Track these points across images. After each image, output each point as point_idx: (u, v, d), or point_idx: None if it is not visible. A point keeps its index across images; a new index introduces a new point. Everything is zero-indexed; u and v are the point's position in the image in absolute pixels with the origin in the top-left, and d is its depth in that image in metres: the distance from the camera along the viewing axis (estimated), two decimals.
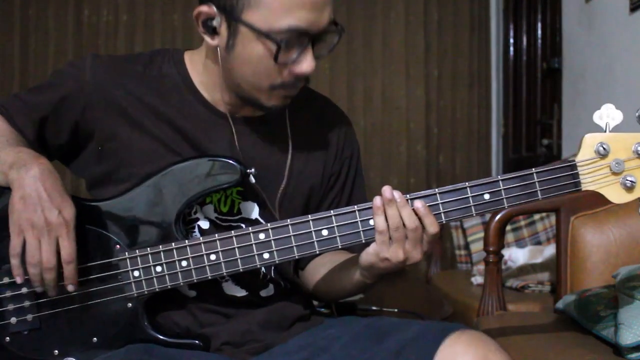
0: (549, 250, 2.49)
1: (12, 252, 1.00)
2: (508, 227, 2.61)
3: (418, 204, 1.01)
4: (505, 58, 3.93)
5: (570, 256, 1.69)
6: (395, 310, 2.05)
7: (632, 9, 2.39)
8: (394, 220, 1.00)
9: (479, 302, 1.79)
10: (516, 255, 2.54)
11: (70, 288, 1.02)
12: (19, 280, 1.02)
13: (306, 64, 1.04)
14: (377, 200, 1.01)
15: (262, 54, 1.02)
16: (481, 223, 2.89)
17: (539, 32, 3.55)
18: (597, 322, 1.39)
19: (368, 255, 1.05)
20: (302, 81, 1.08)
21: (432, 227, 1.01)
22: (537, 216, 2.81)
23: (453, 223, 3.04)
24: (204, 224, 1.12)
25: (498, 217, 1.74)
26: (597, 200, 1.68)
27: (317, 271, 1.23)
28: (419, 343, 0.99)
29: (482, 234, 2.72)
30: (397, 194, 1.01)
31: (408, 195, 1.03)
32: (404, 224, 1.00)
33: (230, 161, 1.07)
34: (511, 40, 3.86)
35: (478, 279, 2.53)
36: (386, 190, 1.01)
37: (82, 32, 3.89)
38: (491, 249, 1.75)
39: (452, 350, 0.96)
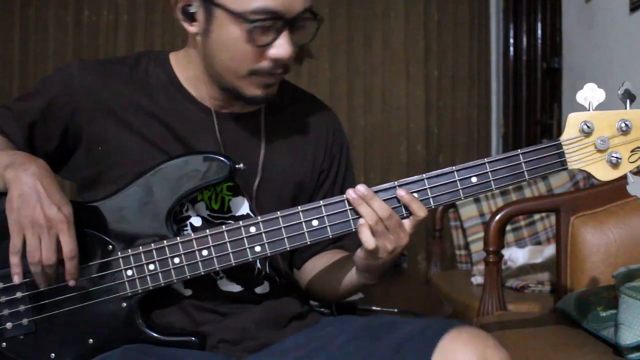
0: (549, 250, 2.48)
1: (13, 250, 0.99)
2: (508, 227, 2.59)
3: (400, 192, 1.02)
4: (505, 58, 3.93)
5: (570, 256, 1.69)
6: (395, 310, 2.05)
7: (632, 9, 2.38)
8: (371, 216, 1.01)
9: (479, 302, 1.79)
10: (516, 255, 2.53)
11: (71, 283, 1.02)
12: (16, 279, 1.00)
13: (283, 48, 1.04)
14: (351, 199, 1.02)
15: (237, 36, 1.03)
16: (481, 223, 2.88)
17: (539, 32, 3.55)
18: (597, 322, 1.39)
19: (361, 258, 1.05)
20: (280, 68, 1.08)
21: (420, 211, 1.02)
22: (537, 216, 2.80)
23: (453, 223, 3.03)
24: (196, 222, 1.12)
25: (498, 217, 1.74)
26: (597, 200, 1.69)
27: (313, 272, 1.23)
28: (418, 340, 0.98)
29: (482, 234, 2.70)
30: (361, 189, 1.02)
31: (396, 182, 1.03)
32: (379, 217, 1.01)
33: (220, 157, 1.07)
34: (511, 40, 3.86)
35: (478, 279, 2.52)
36: (350, 192, 1.02)
37: (82, 32, 3.89)
38: (491, 249, 1.74)
39: (450, 347, 0.96)
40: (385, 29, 3.96)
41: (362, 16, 3.93)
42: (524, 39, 3.74)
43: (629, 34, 2.42)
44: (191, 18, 1.07)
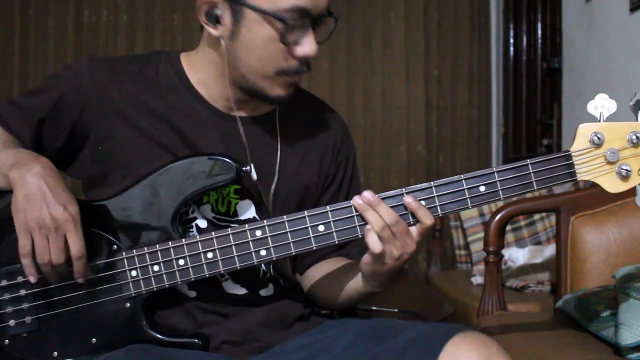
0: (549, 250, 2.49)
1: (22, 251, 0.99)
2: (508, 227, 2.60)
3: (408, 199, 1.02)
4: (505, 58, 3.93)
5: (570, 256, 1.69)
6: (395, 310, 2.05)
7: (632, 9, 2.39)
8: (377, 222, 1.01)
9: (479, 302, 1.79)
10: (516, 255, 2.54)
11: (80, 281, 1.03)
12: (32, 279, 1.01)
13: (309, 46, 1.06)
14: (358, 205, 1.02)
15: (268, 36, 1.04)
16: (481, 223, 2.88)
17: (539, 32, 3.55)
18: (597, 322, 1.39)
19: (367, 264, 1.05)
20: (304, 66, 1.09)
21: (427, 219, 1.02)
22: (537, 216, 2.80)
23: (453, 223, 3.04)
24: (202, 223, 1.12)
25: (498, 217, 1.74)
26: (597, 200, 1.70)
27: (316, 278, 1.23)
28: (422, 345, 0.98)
29: (482, 234, 2.71)
30: (367, 196, 1.01)
31: (404, 189, 1.03)
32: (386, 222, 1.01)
33: (226, 159, 1.07)
34: (511, 40, 3.86)
35: (478, 279, 2.53)
36: (356, 199, 1.02)
37: (82, 32, 3.90)
38: (491, 249, 1.75)
39: (455, 352, 0.96)
40: (385, 29, 3.96)
41: (362, 16, 3.94)
42: (524, 39, 3.75)
43: (629, 34, 2.42)
44: (216, 21, 1.07)
